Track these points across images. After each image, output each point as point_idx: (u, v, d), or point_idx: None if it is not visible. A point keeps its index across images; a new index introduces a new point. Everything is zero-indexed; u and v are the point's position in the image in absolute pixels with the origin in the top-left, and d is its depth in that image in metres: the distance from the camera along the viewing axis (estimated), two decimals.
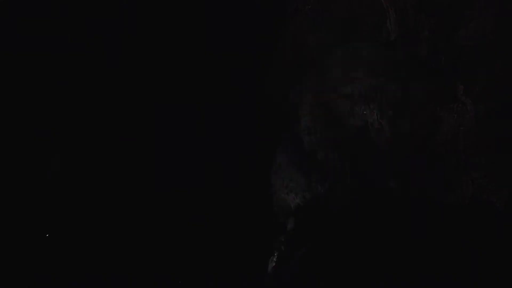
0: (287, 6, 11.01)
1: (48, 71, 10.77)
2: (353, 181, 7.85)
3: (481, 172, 7.56)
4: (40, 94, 10.79)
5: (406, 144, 7.73)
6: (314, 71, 8.36)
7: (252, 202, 10.48)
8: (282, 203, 8.74)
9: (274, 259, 7.80)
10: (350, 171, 7.90)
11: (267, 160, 9.33)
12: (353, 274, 6.21)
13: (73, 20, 10.76)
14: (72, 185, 10.62)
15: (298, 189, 8.16)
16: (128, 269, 12.63)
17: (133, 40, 11.22)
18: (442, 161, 7.49)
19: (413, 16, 8.20)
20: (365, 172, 7.98)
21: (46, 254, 10.45)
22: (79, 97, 10.82)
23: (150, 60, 11.23)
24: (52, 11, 10.76)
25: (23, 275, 9.94)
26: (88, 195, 10.50)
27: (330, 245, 6.97)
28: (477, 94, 8.47)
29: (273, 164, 8.89)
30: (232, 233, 10.96)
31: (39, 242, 10.32)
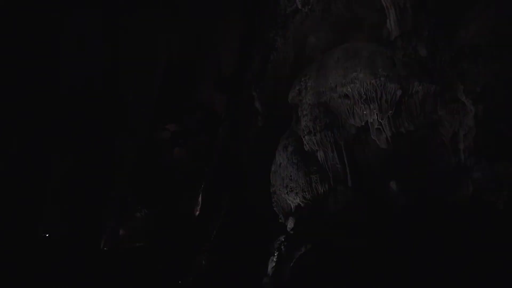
0: (287, 6, 11.03)
1: None
2: (353, 181, 7.85)
3: (481, 172, 7.57)
4: None
5: (406, 144, 7.73)
6: (314, 71, 8.34)
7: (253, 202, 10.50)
8: (282, 203, 8.74)
9: (274, 259, 7.78)
10: (350, 171, 7.90)
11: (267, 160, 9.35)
12: (352, 274, 6.20)
13: None
14: None
15: (298, 189, 8.14)
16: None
17: None
18: (442, 161, 7.50)
19: (413, 16, 8.20)
20: (365, 172, 7.97)
21: None
22: None
23: None
24: None
25: None
26: None
27: (329, 245, 6.96)
28: (477, 94, 8.47)
29: (273, 164, 8.89)
30: (231, 233, 10.96)
31: None
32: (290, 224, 8.15)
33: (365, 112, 7.78)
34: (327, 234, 7.25)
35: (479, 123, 8.12)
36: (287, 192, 8.33)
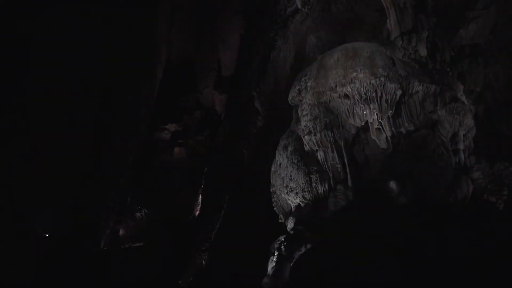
0: (287, 6, 11.02)
1: None
2: (353, 181, 7.84)
3: (481, 172, 7.57)
4: None
5: (406, 144, 7.72)
6: (314, 71, 8.34)
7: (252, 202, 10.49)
8: (282, 203, 8.73)
9: (274, 259, 7.77)
10: (350, 171, 7.89)
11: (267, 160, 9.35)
12: (352, 274, 6.19)
13: None
14: None
15: (298, 189, 8.14)
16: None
17: None
18: (442, 161, 7.49)
19: (413, 16, 8.20)
20: (365, 172, 7.97)
21: None
22: None
23: None
24: None
25: None
26: None
27: (329, 244, 6.95)
28: (477, 94, 8.48)
29: (273, 164, 8.88)
30: (231, 233, 10.96)
31: None
32: (290, 224, 8.14)
33: (365, 112, 7.78)
34: (327, 234, 7.24)
35: (479, 123, 8.13)
36: (287, 192, 8.32)
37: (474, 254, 5.91)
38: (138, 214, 14.55)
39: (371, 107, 7.68)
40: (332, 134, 7.93)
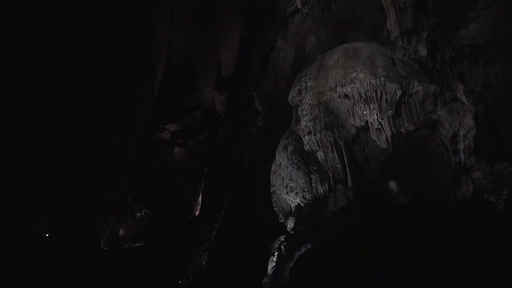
0: (287, 6, 11.02)
1: None
2: (353, 181, 7.84)
3: (481, 172, 7.57)
4: None
5: (406, 144, 7.72)
6: (314, 71, 8.34)
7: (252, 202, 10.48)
8: (282, 203, 8.73)
9: (274, 259, 7.77)
10: (350, 171, 7.89)
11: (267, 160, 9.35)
12: (352, 274, 6.18)
13: None
14: None
15: (298, 189, 8.14)
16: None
17: None
18: (442, 161, 7.49)
19: (413, 16, 8.20)
20: (365, 172, 7.97)
21: None
22: None
23: None
24: None
25: None
26: None
27: (329, 244, 6.94)
28: (477, 94, 8.48)
29: (273, 164, 8.88)
30: (231, 233, 10.96)
31: None
32: (290, 224, 8.14)
33: (365, 112, 7.78)
34: (327, 234, 7.24)
35: (479, 123, 8.14)
36: (287, 192, 8.32)
37: (474, 254, 5.91)
38: (138, 214, 14.53)
39: (371, 107, 7.69)
40: (332, 134, 7.93)
